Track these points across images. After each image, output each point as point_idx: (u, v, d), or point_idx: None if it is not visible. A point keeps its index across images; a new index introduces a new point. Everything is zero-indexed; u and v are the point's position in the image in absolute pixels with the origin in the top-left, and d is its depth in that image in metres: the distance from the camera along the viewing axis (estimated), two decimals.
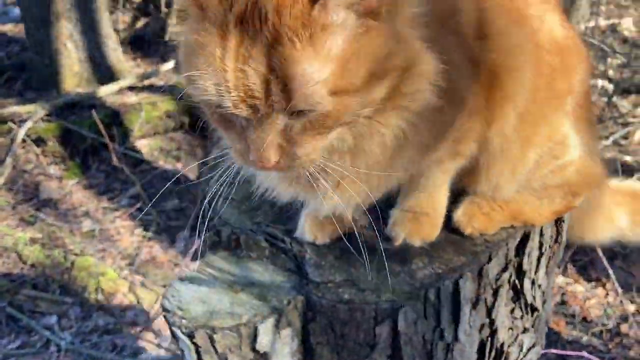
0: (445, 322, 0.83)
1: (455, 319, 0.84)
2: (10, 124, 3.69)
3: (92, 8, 4.26)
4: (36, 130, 3.76)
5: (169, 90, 4.16)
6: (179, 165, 3.79)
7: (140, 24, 5.02)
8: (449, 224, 0.92)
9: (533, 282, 0.94)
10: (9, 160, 3.50)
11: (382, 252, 0.83)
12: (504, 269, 0.89)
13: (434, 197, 0.92)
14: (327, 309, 0.81)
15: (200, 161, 0.97)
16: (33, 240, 3.09)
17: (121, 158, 3.27)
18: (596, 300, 2.60)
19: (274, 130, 0.69)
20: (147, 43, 4.95)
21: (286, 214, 0.95)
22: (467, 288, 0.83)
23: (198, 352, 0.78)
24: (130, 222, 3.32)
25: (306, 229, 0.92)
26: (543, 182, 0.96)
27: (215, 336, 0.77)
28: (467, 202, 0.94)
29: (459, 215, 0.93)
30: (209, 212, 0.95)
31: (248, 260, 0.91)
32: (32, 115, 3.76)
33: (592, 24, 4.58)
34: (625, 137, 3.49)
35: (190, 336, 0.78)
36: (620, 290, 2.46)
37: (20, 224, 3.25)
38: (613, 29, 4.49)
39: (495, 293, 0.88)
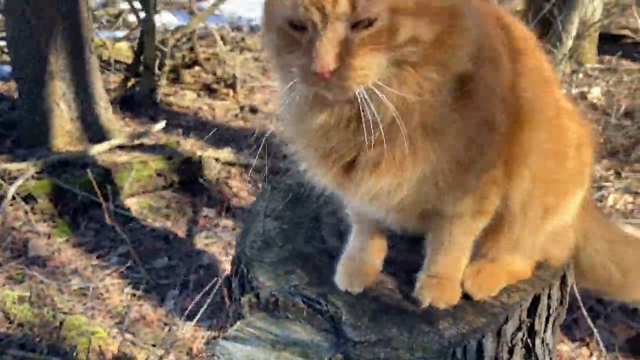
0: None
1: None
2: (0, 181, 3.72)
3: (86, 69, 4.38)
4: (26, 188, 3.79)
5: (160, 149, 4.27)
6: (168, 224, 3.85)
7: (130, 84, 5.16)
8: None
9: (542, 341, 1.04)
10: None
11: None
12: (519, 329, 0.99)
13: (457, 263, 1.03)
14: None
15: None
16: (21, 299, 3.08)
17: (111, 216, 3.31)
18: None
19: (336, 38, 0.80)
20: (136, 104, 5.07)
21: (319, 278, 1.05)
22: (489, 347, 0.93)
23: None
24: (119, 280, 3.34)
25: (339, 280, 1.05)
26: (538, 246, 1.09)
27: None
28: (472, 272, 1.06)
29: (469, 286, 1.05)
30: (245, 271, 1.05)
31: (286, 321, 0.99)
32: (24, 172, 3.80)
33: (564, 91, 4.85)
34: (599, 200, 3.68)
35: None
36: (604, 350, 2.56)
37: (8, 282, 3.24)
38: (583, 96, 4.78)
39: (511, 352, 0.98)
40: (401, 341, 0.93)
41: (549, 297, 1.05)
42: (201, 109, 5.05)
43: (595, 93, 4.75)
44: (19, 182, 3.68)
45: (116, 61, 5.22)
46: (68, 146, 4.36)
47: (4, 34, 5.01)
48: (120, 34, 5.82)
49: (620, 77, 5.00)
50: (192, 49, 5.35)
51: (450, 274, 1.03)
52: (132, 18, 6.20)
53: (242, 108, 5.00)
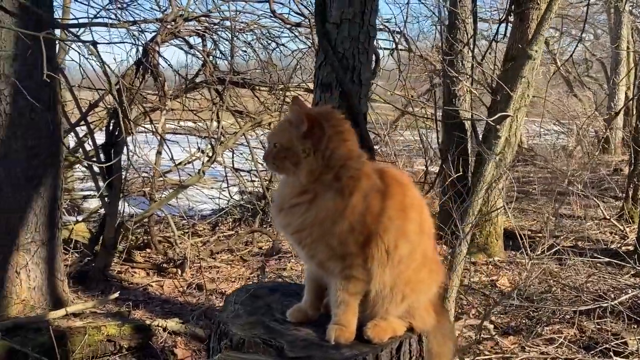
0: None
1: None
2: None
3: (50, 244, 5.10)
4: None
5: (113, 316, 4.86)
6: None
7: (84, 262, 5.86)
8: (361, 336, 1.81)
9: None
10: None
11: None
12: None
13: (348, 316, 1.83)
14: None
15: None
16: None
17: None
18: None
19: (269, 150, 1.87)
20: (89, 279, 5.73)
21: (270, 331, 1.82)
22: None
23: None
24: None
25: (289, 314, 1.93)
26: (403, 314, 1.90)
27: None
28: (372, 325, 1.85)
29: (369, 333, 1.83)
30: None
31: (249, 353, 1.74)
32: None
33: (475, 279, 5.90)
34: None
35: None
36: None
37: None
38: (493, 283, 5.81)
39: None
40: (319, 357, 1.69)
41: (410, 345, 1.84)
42: (150, 285, 5.75)
43: (503, 281, 5.80)
44: None
45: (74, 240, 5.97)
46: (21, 314, 4.88)
47: None
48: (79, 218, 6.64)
49: (524, 268, 6.11)
50: (146, 232, 6.19)
51: (345, 322, 1.82)
52: (87, 204, 7.12)
53: (189, 285, 5.73)
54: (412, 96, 7.78)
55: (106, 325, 4.66)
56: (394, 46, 6.35)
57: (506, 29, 6.17)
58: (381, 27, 6.87)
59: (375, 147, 7.57)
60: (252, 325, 1.88)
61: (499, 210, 5.85)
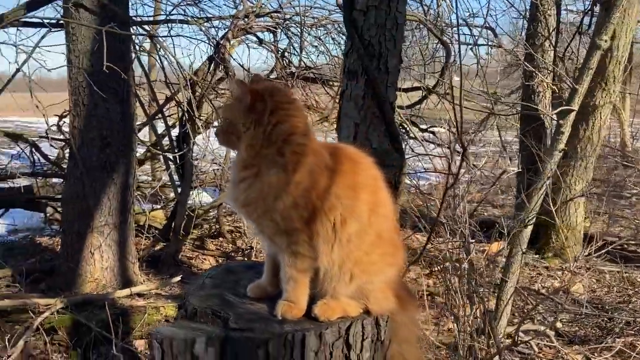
0: (296, 355, 1.67)
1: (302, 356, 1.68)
2: (30, 313, 4.56)
3: (122, 227, 5.44)
4: (50, 321, 4.60)
5: (174, 297, 5.10)
6: None
7: (158, 247, 6.19)
8: (309, 314, 1.80)
9: (358, 357, 1.77)
10: (20, 343, 4.27)
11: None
12: (337, 339, 1.74)
13: (298, 293, 1.82)
14: (235, 340, 1.67)
15: None
16: None
17: (119, 354, 4.03)
18: None
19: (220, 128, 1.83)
20: (160, 263, 6.05)
21: (225, 303, 1.85)
22: (312, 341, 1.69)
23: (162, 353, 1.62)
24: None
25: (248, 291, 1.92)
26: (355, 295, 1.85)
27: (173, 342, 1.63)
28: (321, 303, 1.83)
29: (316, 311, 1.81)
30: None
31: (200, 322, 1.78)
32: (51, 307, 4.65)
33: (547, 284, 5.59)
34: None
35: (160, 343, 1.63)
36: None
37: None
38: (565, 290, 5.46)
39: (331, 354, 1.72)
40: (259, 329, 1.70)
41: (363, 327, 1.80)
42: None
43: (577, 288, 5.45)
44: (46, 314, 4.52)
45: (150, 226, 6.32)
46: (94, 292, 5.24)
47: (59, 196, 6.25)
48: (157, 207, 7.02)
49: (602, 276, 5.70)
50: (217, 221, 6.43)
51: (294, 299, 1.81)
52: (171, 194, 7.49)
53: None
54: (495, 93, 7.50)
55: (165, 306, 4.90)
56: (483, 42, 6.18)
57: (591, 20, 5.80)
58: (462, 22, 6.70)
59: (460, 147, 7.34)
60: (210, 297, 1.92)
61: (550, 210, 5.48)
